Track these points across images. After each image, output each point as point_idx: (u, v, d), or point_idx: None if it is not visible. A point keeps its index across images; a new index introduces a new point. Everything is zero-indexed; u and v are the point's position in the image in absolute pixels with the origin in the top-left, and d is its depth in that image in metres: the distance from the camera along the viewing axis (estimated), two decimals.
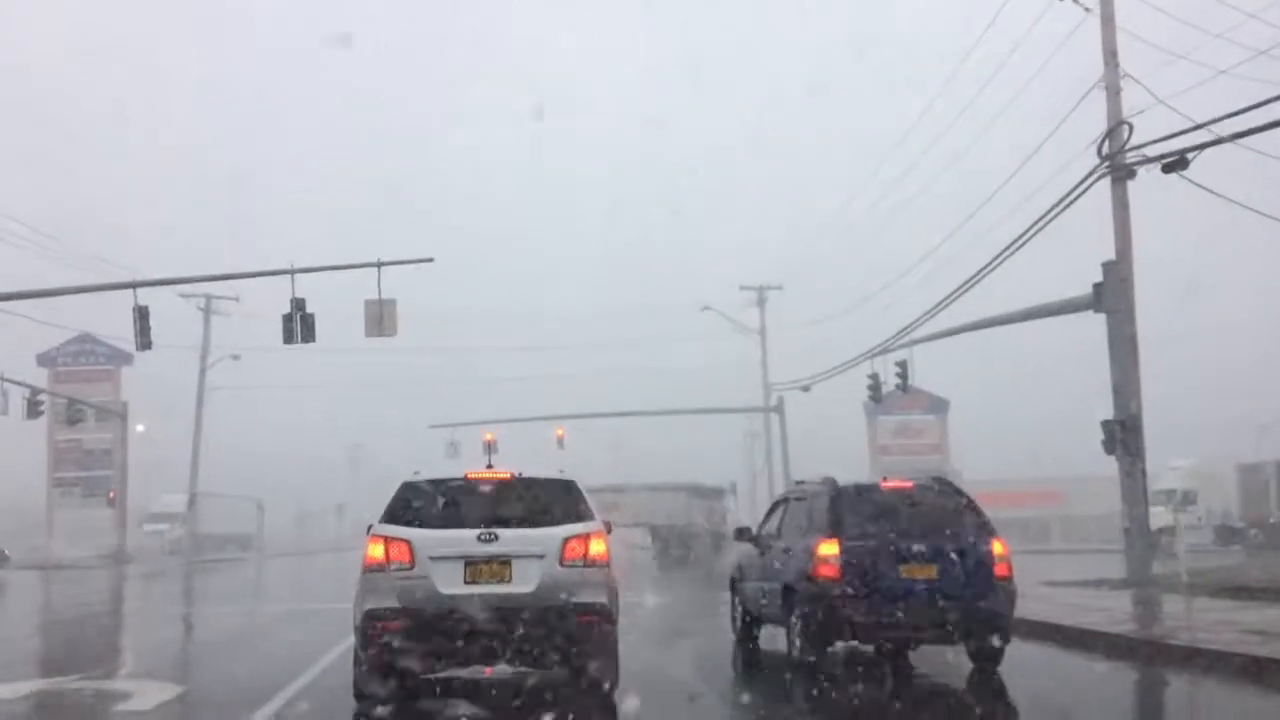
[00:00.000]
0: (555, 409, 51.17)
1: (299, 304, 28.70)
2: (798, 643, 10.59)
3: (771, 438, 56.78)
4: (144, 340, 27.87)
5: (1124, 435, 22.37)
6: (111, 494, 53.24)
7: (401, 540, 8.64)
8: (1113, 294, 22.80)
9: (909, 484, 10.99)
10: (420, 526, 8.76)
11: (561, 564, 8.68)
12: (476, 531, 8.67)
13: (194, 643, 14.97)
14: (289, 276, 28.24)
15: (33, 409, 42.25)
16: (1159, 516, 48.09)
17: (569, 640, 8.57)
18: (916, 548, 10.19)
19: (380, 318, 29.14)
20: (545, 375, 61.45)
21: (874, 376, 41.20)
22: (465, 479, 9.17)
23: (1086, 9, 22.94)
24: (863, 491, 10.84)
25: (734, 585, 13.49)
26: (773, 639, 12.51)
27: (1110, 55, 23.16)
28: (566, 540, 8.74)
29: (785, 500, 12.31)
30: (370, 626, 8.49)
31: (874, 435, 65.39)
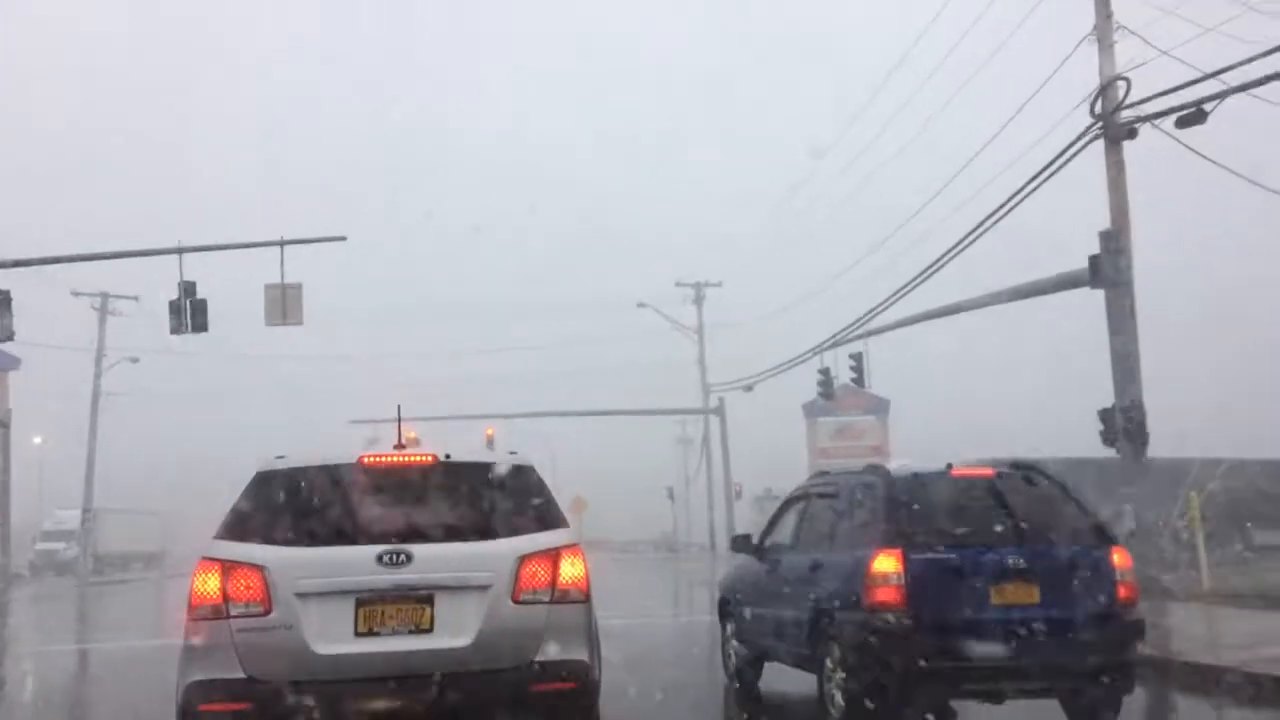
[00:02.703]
0: (485, 409, 47.74)
1: (188, 288, 25.16)
2: (838, 697, 7.56)
3: (710, 441, 54.32)
4: (5, 330, 24.15)
5: (1127, 424, 20.01)
6: None
7: (249, 566, 5.38)
8: (1110, 267, 20.53)
9: (988, 471, 8.00)
10: (282, 543, 5.51)
11: (516, 599, 5.53)
12: (376, 549, 5.46)
13: None
14: (200, 271, 24.87)
15: None
16: None
17: None
18: (1011, 561, 7.21)
19: (283, 304, 25.68)
20: (474, 377, 57.94)
21: (825, 371, 39.17)
22: (360, 464, 5.87)
23: None
24: (927, 482, 7.78)
25: (726, 610, 10.42)
26: (777, 679, 9.57)
27: (1103, 4, 20.86)
28: (523, 560, 5.58)
29: (804, 497, 9.24)
30: (195, 712, 5.24)
31: (814, 437, 64.27)
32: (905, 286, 26.67)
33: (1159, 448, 20.98)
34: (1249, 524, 27.35)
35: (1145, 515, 19.81)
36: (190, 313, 24.91)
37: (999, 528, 7.47)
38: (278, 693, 5.24)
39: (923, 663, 7.07)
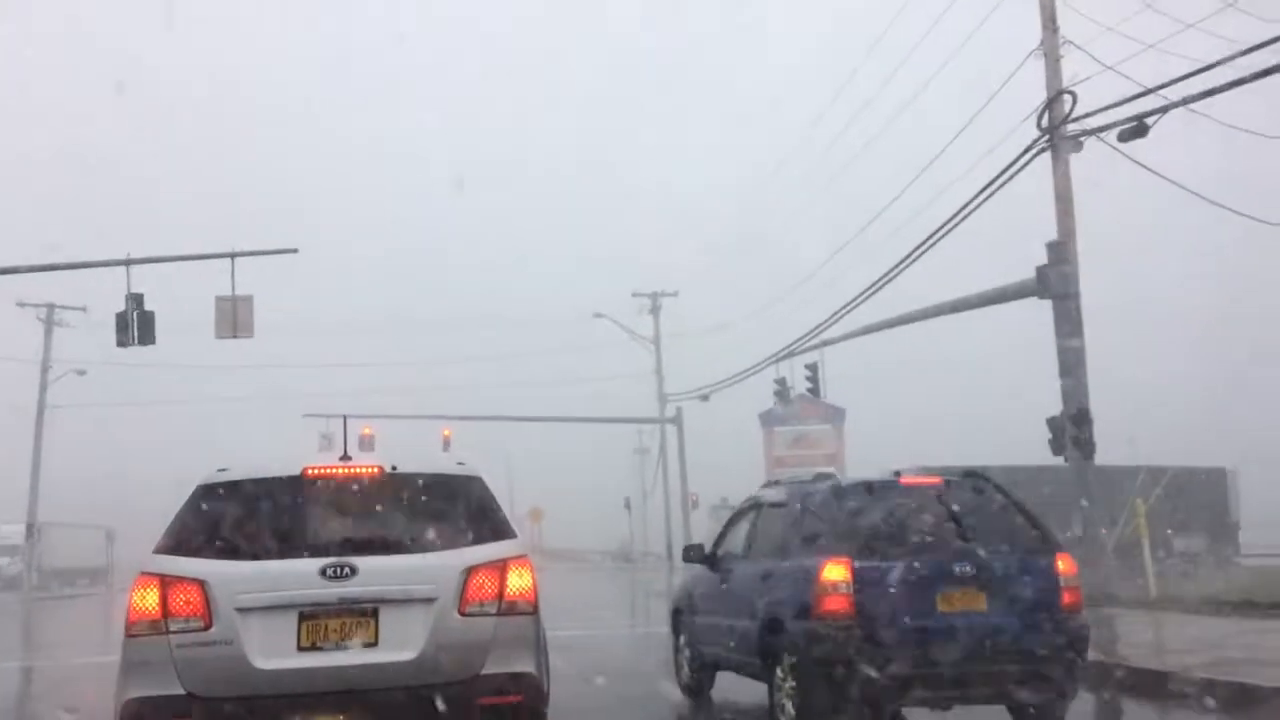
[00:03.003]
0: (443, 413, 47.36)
1: (136, 300, 24.83)
2: (788, 706, 7.57)
3: (668, 450, 54.41)
4: None
5: (1075, 432, 20.32)
6: None
7: (189, 581, 5.29)
8: (1057, 277, 20.87)
9: (936, 480, 8.08)
10: (224, 556, 5.44)
11: (462, 611, 5.49)
12: (320, 562, 5.40)
13: None
14: (152, 283, 24.57)
15: None
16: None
17: None
18: (958, 568, 7.29)
19: (234, 316, 25.44)
20: (432, 386, 57.61)
21: (781, 380, 39.52)
22: (303, 476, 5.80)
23: None
24: (875, 491, 7.84)
25: (678, 620, 10.42)
26: (729, 689, 9.59)
27: (1049, 20, 21.22)
28: (470, 572, 5.54)
29: (755, 507, 9.27)
30: None
31: (770, 446, 64.35)
32: (858, 297, 26.88)
33: (1108, 455, 21.32)
34: (1169, 530, 27.89)
35: (1092, 522, 20.15)
36: (138, 325, 24.57)
37: (947, 536, 7.56)
38: (218, 709, 5.17)
39: (871, 671, 7.11)
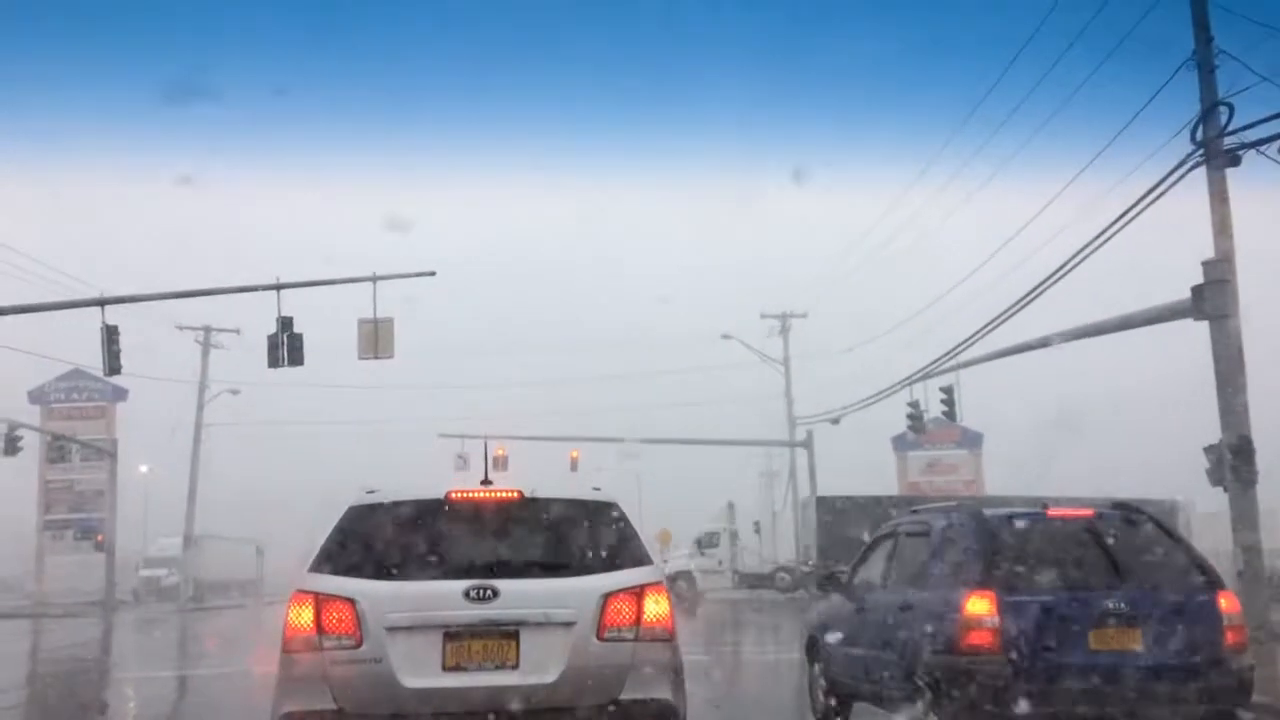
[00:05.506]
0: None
1: (285, 323, 25.88)
2: None
3: (797, 474, 53.71)
4: (113, 363, 25.17)
5: (1235, 461, 19.24)
6: (99, 537, 50.13)
7: (342, 600, 5.47)
8: (1215, 297, 19.83)
9: (1087, 511, 7.78)
10: (373, 576, 5.61)
11: (600, 636, 5.54)
12: (464, 584, 5.53)
13: None
14: (292, 308, 25.61)
15: (11, 445, 39.35)
16: (679, 560, 46.20)
17: None
18: (1111, 604, 6.98)
19: (375, 337, 26.37)
20: (560, 409, 58.39)
21: (915, 404, 38.48)
22: (447, 500, 5.95)
23: None
24: (1021, 522, 7.60)
25: (813, 649, 10.27)
26: None
27: (1201, 28, 20.27)
28: (608, 598, 5.59)
29: (892, 535, 9.08)
30: None
31: (904, 471, 63.15)
32: (997, 318, 26.08)
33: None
34: None
35: (1254, 556, 19.05)
36: (288, 347, 25.60)
37: (1098, 570, 7.27)
38: None
39: (1017, 709, 6.87)
